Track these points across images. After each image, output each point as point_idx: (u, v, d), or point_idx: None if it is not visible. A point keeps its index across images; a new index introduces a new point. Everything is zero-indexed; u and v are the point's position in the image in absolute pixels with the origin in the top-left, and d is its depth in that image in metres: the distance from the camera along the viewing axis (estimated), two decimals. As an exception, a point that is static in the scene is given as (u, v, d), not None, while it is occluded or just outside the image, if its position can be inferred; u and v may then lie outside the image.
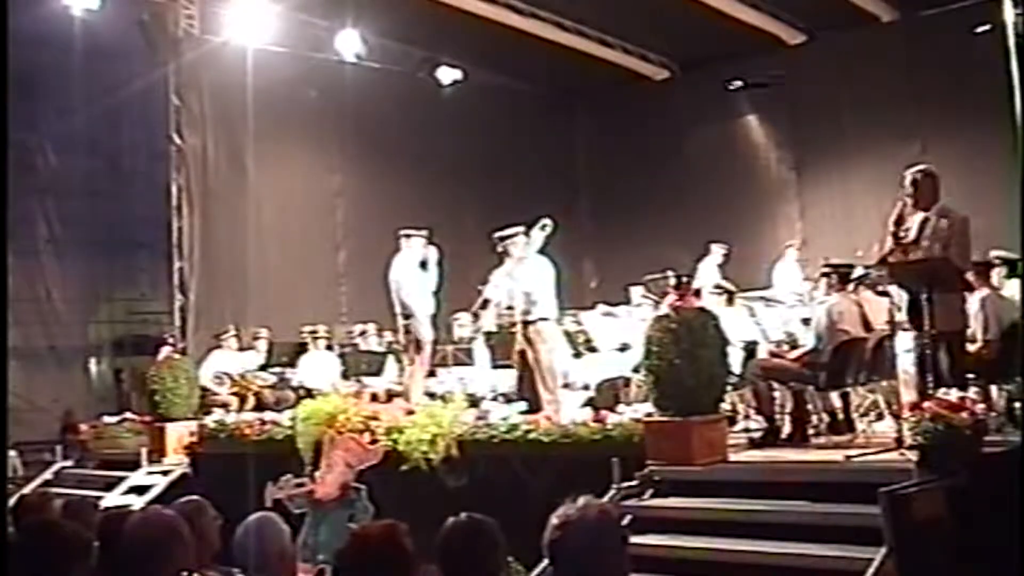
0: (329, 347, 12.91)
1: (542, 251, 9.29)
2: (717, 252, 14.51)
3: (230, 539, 4.07)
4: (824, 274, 8.50)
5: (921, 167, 7.49)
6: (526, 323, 9.00)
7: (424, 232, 10.28)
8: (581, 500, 2.85)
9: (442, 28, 15.38)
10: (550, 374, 8.96)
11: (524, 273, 9.15)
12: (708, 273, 13.70)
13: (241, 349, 12.76)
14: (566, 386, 9.56)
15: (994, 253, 8.56)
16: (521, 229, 9.27)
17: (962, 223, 7.22)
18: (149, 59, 14.09)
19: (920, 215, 7.23)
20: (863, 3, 15.36)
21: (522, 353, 9.06)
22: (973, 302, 7.70)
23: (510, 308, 9.50)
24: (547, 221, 9.27)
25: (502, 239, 9.30)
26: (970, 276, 7.41)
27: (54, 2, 13.22)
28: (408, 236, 10.26)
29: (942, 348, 6.87)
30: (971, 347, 7.48)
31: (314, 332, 12.70)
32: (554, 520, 2.81)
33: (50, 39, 13.44)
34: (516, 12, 15.44)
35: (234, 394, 12.02)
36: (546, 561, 2.84)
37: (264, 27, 14.29)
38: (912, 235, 7.20)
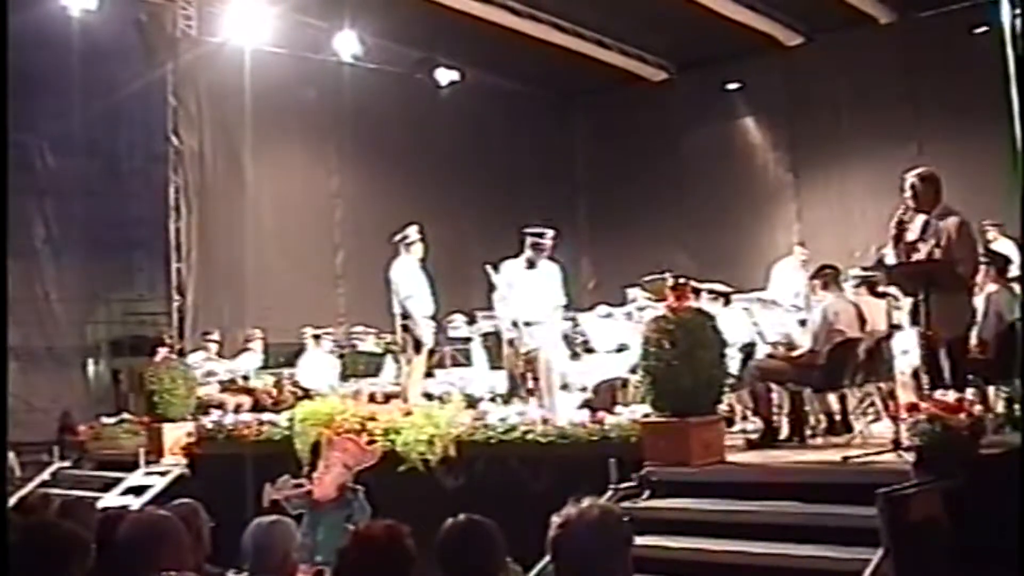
0: (328, 347, 12.91)
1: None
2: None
3: (226, 539, 4.08)
4: (818, 271, 8.51)
5: (920, 171, 7.42)
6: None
7: (415, 227, 10.22)
8: (585, 500, 2.88)
9: (440, 29, 15.38)
10: (555, 375, 9.06)
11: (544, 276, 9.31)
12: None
13: (220, 352, 12.86)
14: (564, 387, 9.57)
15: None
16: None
17: (961, 224, 7.20)
18: (147, 60, 14.10)
19: (922, 218, 7.21)
20: (861, 4, 15.34)
21: (529, 354, 9.11)
22: (979, 301, 7.67)
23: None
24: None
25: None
26: (979, 275, 7.40)
27: (52, 2, 13.20)
28: (408, 244, 10.21)
29: (942, 351, 6.85)
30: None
31: (312, 333, 12.70)
32: (556, 519, 2.85)
33: (48, 39, 13.38)
34: (514, 13, 15.44)
35: (226, 392, 12.05)
36: (547, 558, 2.86)
37: (262, 28, 14.28)
38: (914, 237, 7.18)
